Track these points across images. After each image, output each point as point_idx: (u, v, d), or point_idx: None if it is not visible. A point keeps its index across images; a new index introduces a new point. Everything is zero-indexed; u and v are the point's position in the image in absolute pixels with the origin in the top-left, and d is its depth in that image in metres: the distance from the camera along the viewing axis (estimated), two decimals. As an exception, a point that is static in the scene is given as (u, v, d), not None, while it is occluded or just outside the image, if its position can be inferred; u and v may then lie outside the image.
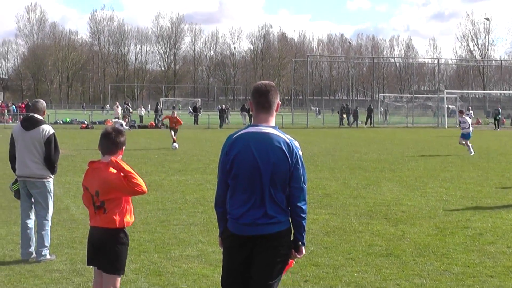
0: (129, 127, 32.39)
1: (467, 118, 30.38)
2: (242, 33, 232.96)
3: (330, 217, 13.23)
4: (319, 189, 17.24)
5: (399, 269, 9.12)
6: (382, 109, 79.59)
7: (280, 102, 5.54)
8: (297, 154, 5.27)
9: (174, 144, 30.29)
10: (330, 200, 15.41)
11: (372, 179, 19.61)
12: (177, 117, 32.64)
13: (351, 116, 68.66)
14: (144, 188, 6.39)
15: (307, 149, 30.76)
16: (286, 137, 5.30)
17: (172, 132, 31.68)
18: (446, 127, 63.25)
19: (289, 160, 5.21)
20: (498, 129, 59.39)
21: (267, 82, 5.55)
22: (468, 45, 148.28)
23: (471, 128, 29.90)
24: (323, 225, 12.30)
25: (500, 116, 62.84)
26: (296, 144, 5.33)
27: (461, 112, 32.26)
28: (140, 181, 6.36)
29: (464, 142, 29.46)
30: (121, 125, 32.74)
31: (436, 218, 13.14)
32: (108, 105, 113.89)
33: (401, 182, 19.09)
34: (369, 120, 67.89)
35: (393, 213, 13.67)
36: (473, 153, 28.59)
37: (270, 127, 5.34)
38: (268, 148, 5.21)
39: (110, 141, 6.48)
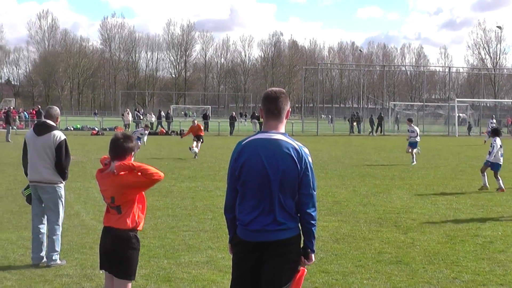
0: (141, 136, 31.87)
1: (415, 127, 30.08)
2: (253, 40, 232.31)
3: (340, 224, 13.22)
4: (329, 197, 17.24)
5: (408, 277, 9.11)
6: (393, 117, 79.42)
7: (290, 109, 5.53)
8: (307, 161, 5.26)
9: (195, 148, 30.02)
10: (340, 208, 15.41)
11: (382, 187, 19.59)
12: (200, 125, 32.38)
13: (368, 123, 68.59)
14: (161, 174, 6.44)
15: (317, 156, 30.76)
16: (296, 144, 5.29)
17: (195, 142, 31.07)
18: (457, 135, 63.16)
19: (298, 166, 5.19)
20: None
21: (277, 89, 5.54)
22: (479, 53, 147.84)
23: (418, 138, 29.42)
24: (333, 232, 12.29)
25: None
26: (305, 150, 5.31)
27: (409, 120, 31.82)
28: (153, 169, 6.39)
29: (410, 151, 28.94)
30: (141, 134, 32.20)
31: (446, 226, 13.12)
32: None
33: (411, 190, 19.07)
34: (379, 128, 67.74)
35: (403, 221, 13.66)
36: (415, 162, 28.10)
37: (280, 133, 5.33)
38: (277, 155, 5.20)
39: (119, 147, 6.51)
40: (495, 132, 19.44)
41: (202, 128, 32.00)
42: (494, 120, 51.90)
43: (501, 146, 19.08)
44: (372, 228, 12.86)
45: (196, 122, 32.77)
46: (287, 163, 5.18)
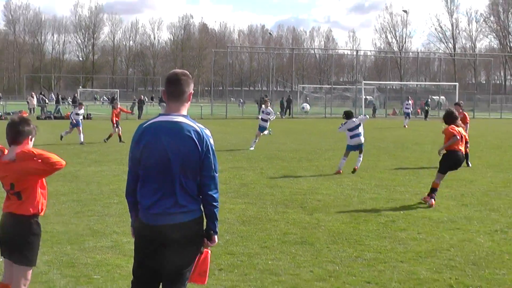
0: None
1: (270, 109, 28.51)
2: (162, 23, 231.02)
3: (247, 206, 13.29)
4: (236, 179, 17.30)
5: (313, 256, 9.24)
6: (301, 100, 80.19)
7: (192, 92, 5.50)
8: (208, 143, 5.25)
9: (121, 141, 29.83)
10: (247, 190, 15.48)
11: (289, 169, 19.79)
12: (121, 108, 31.97)
13: (278, 106, 69.09)
14: (63, 162, 6.32)
15: (225, 139, 30.84)
16: (197, 126, 5.27)
17: (119, 127, 30.46)
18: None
19: (200, 148, 5.18)
20: (426, 119, 61.19)
21: (180, 70, 5.53)
22: (386, 37, 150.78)
23: (268, 123, 27.96)
24: (239, 215, 12.35)
25: (429, 107, 64.64)
26: (207, 132, 5.30)
27: (265, 102, 30.02)
28: (55, 157, 6.26)
29: (260, 135, 27.70)
30: (77, 114, 31.13)
31: (350, 206, 13.38)
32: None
33: (318, 171, 19.35)
34: (288, 110, 68.35)
35: (309, 202, 13.85)
36: (253, 148, 26.52)
37: (181, 116, 5.31)
38: (178, 137, 5.18)
39: (15, 131, 6.35)
40: (346, 115, 19.68)
41: (117, 113, 31.30)
42: (410, 102, 52.95)
43: (352, 128, 19.30)
44: (279, 209, 12.98)
45: (117, 106, 32.29)
46: (188, 146, 5.16)
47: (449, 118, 14.21)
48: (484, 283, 8.06)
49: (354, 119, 19.37)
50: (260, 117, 28.52)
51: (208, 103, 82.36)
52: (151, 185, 5.23)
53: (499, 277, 8.34)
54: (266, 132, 28.37)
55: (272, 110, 28.55)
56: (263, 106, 29.50)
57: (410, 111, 50.64)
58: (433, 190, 13.78)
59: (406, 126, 47.27)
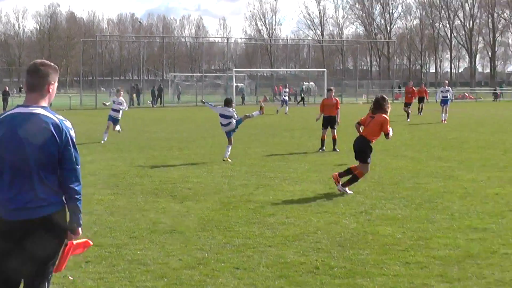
0: None
1: (123, 99, 26.67)
2: (27, 11, 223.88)
3: (116, 197, 13.14)
4: (106, 170, 17.06)
5: (182, 245, 9.22)
6: (172, 88, 79.86)
7: (54, 82, 5.34)
8: (68, 135, 5.13)
9: None
10: (117, 180, 15.29)
11: (159, 158, 19.68)
12: None
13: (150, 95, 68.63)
14: None
15: (95, 130, 30.32)
16: (56, 117, 5.15)
17: None
18: (235, 104, 64.56)
19: (58, 141, 5.07)
20: (300, 106, 62.35)
21: (40, 61, 5.40)
22: (256, 24, 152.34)
23: (120, 114, 26.57)
24: (108, 205, 12.18)
25: (304, 94, 65.87)
26: (67, 124, 5.19)
27: (118, 92, 27.55)
28: None
29: (116, 128, 26.52)
30: None
31: (220, 194, 13.44)
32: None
33: (188, 160, 19.34)
34: (159, 99, 67.97)
35: (179, 191, 13.83)
36: (105, 140, 25.10)
37: (40, 107, 5.17)
38: (36, 129, 5.04)
39: None
40: (225, 102, 19.72)
41: None
42: (287, 89, 53.74)
43: (224, 116, 19.32)
44: (148, 199, 12.90)
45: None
46: (46, 138, 5.04)
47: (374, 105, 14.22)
48: (349, 263, 8.29)
49: (229, 109, 19.33)
50: (109, 105, 27.30)
51: (77, 94, 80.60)
52: (8, 179, 5.07)
53: (362, 257, 8.60)
54: (117, 128, 26.72)
55: (124, 100, 26.91)
56: (115, 96, 27.79)
57: (287, 98, 51.60)
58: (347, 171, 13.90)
59: (288, 113, 47.82)
